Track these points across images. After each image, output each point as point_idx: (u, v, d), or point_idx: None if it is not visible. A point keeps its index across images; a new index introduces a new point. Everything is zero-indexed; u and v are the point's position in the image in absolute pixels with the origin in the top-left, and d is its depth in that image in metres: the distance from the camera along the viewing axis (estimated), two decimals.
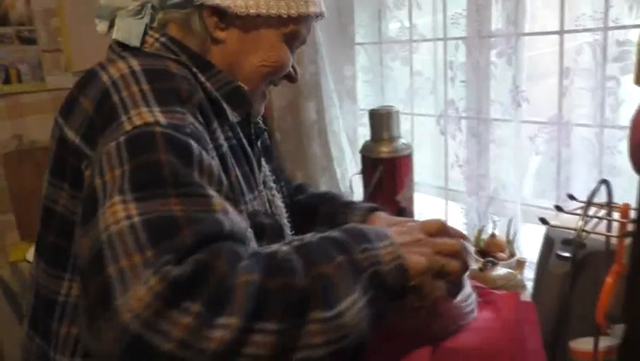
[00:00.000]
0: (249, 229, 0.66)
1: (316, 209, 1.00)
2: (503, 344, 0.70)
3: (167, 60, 0.69)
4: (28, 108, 2.15)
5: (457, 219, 1.47)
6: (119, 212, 0.53)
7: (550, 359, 0.81)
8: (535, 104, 1.29)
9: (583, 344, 0.77)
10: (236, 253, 0.54)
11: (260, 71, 0.79)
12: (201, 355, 0.48)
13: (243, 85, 0.77)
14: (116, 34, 0.74)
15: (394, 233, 0.64)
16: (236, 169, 0.74)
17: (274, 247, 0.59)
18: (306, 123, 1.78)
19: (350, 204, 0.97)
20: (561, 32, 1.19)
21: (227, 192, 0.63)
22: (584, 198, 0.69)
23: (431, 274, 0.63)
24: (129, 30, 0.73)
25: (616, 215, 0.66)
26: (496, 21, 1.28)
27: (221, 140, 0.71)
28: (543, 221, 0.65)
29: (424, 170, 1.61)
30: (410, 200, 1.44)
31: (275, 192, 0.88)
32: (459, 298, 0.70)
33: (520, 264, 1.18)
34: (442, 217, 1.51)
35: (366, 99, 1.70)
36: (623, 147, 1.07)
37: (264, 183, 0.85)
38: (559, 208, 0.69)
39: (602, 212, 0.63)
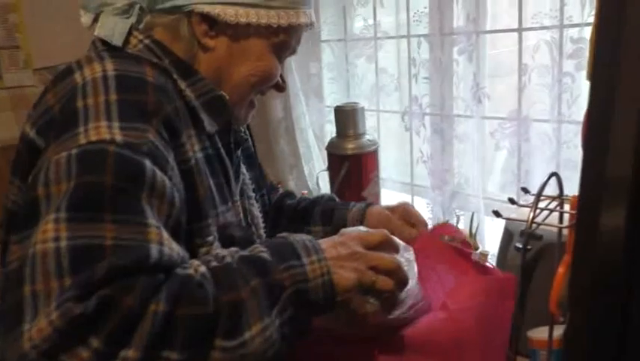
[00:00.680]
0: (194, 252, 0.66)
1: (309, 210, 1.02)
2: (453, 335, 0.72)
3: (145, 65, 0.68)
4: None
5: (423, 214, 1.49)
6: (49, 231, 0.53)
7: (510, 347, 0.84)
8: (497, 100, 1.33)
9: (539, 333, 0.80)
10: (152, 286, 0.54)
11: (248, 81, 0.78)
12: None
13: (226, 94, 0.76)
14: (98, 31, 0.72)
15: (328, 247, 0.65)
16: (210, 180, 0.73)
17: (193, 265, 0.60)
18: (274, 121, 1.78)
19: (347, 203, 1.01)
20: (519, 30, 1.22)
21: (179, 214, 0.63)
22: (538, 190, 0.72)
23: (360, 290, 0.64)
24: (113, 28, 0.72)
25: (567, 207, 0.69)
26: (458, 19, 1.30)
27: (193, 151, 0.70)
28: (496, 214, 0.67)
29: (390, 166, 1.63)
30: (377, 196, 1.46)
31: (253, 201, 0.88)
32: (397, 311, 0.70)
33: (483, 256, 1.21)
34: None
35: (332, 96, 1.71)
36: (579, 141, 1.11)
37: (242, 192, 0.84)
38: (512, 201, 0.71)
39: (554, 204, 0.65)
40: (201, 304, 0.55)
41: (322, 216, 1.00)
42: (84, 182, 0.56)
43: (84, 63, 0.67)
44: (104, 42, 0.72)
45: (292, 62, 1.66)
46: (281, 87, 0.84)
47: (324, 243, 0.66)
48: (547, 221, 0.65)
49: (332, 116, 1.49)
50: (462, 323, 0.72)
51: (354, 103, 1.44)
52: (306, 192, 1.65)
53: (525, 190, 0.70)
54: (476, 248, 1.26)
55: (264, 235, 0.90)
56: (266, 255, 0.62)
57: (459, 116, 1.36)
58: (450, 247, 0.88)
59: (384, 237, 0.70)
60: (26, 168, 0.63)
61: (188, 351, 0.53)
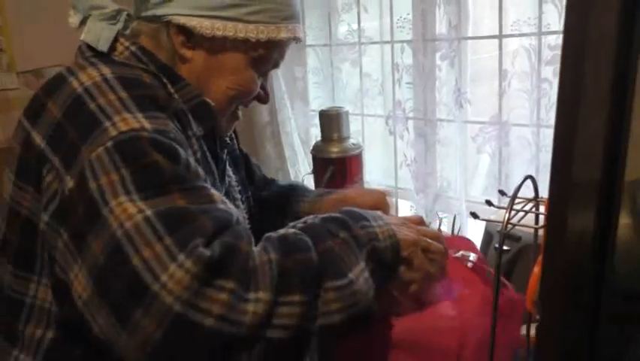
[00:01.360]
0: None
1: (278, 206, 1.02)
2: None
3: (137, 70, 0.69)
4: None
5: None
6: (130, 208, 0.55)
7: (490, 346, 0.86)
8: (478, 105, 1.35)
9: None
10: (250, 236, 0.59)
11: (226, 93, 0.78)
12: (239, 327, 0.53)
13: (209, 100, 0.77)
14: (84, 36, 0.72)
15: (385, 216, 0.73)
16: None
17: (281, 231, 0.64)
18: (259, 125, 1.79)
19: (304, 194, 1.01)
20: (499, 37, 1.25)
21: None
22: (521, 194, 0.74)
23: (419, 249, 0.71)
24: (99, 34, 0.72)
25: (543, 209, 0.71)
26: (440, 25, 1.33)
27: (195, 146, 0.73)
28: (473, 215, 0.69)
29: (374, 169, 1.65)
30: None
31: (239, 202, 0.89)
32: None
33: (465, 257, 1.24)
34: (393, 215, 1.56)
35: (317, 100, 1.73)
36: None
37: (228, 194, 0.86)
38: (489, 203, 0.73)
39: (530, 205, 0.68)
40: (305, 250, 0.60)
41: (278, 210, 1.02)
42: (138, 166, 0.58)
43: (76, 70, 0.67)
44: (90, 48, 0.72)
45: None
46: (262, 99, 0.84)
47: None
48: (524, 222, 0.67)
49: (317, 120, 1.50)
50: (468, 327, 0.74)
51: (339, 107, 1.46)
52: None
53: (502, 193, 0.72)
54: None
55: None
56: (342, 216, 0.68)
57: (441, 120, 1.39)
58: (463, 261, 0.90)
59: (421, 217, 0.81)
60: (38, 177, 0.64)
61: (307, 293, 0.57)
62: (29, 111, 0.69)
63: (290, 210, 0.98)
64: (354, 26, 1.56)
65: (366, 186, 1.51)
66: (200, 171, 0.64)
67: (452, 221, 1.35)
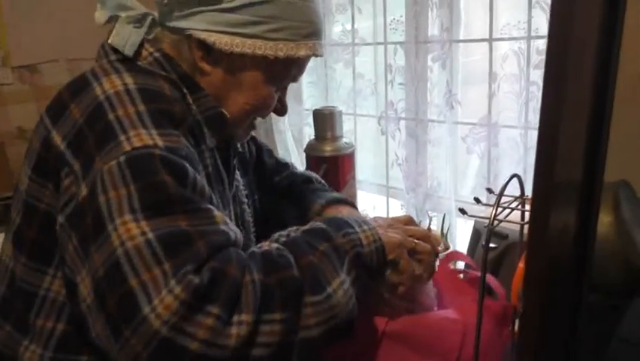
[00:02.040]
0: None
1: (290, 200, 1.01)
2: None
3: (159, 79, 0.70)
4: None
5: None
6: (133, 229, 0.58)
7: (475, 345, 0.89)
8: (469, 106, 1.38)
9: None
10: (242, 258, 0.61)
11: (243, 109, 0.78)
12: (223, 350, 0.55)
13: (226, 112, 0.77)
14: (112, 39, 0.73)
15: (372, 220, 0.75)
16: (214, 188, 0.77)
17: (265, 246, 0.67)
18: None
19: (314, 197, 0.97)
20: (490, 40, 1.28)
21: (217, 207, 0.67)
22: (507, 192, 0.77)
23: (405, 251, 0.73)
24: (126, 38, 0.73)
25: (528, 206, 0.74)
26: (432, 28, 1.35)
27: (207, 160, 0.74)
28: (462, 211, 0.72)
29: (366, 168, 1.68)
30: (353, 197, 1.50)
31: (245, 206, 0.91)
32: (430, 285, 0.79)
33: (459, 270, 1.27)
34: (384, 215, 1.59)
35: (311, 100, 1.75)
36: None
37: (234, 198, 0.87)
38: (477, 200, 0.76)
39: (516, 203, 0.70)
40: (287, 268, 0.62)
41: (289, 203, 1.00)
42: (146, 184, 0.60)
43: (100, 74, 0.69)
44: (114, 50, 0.73)
45: None
46: (280, 112, 0.85)
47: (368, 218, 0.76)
48: (509, 219, 0.70)
49: (310, 119, 1.53)
50: (469, 330, 0.75)
51: (332, 107, 1.48)
52: None
53: (490, 190, 0.75)
54: (447, 248, 1.32)
55: (254, 239, 0.93)
56: (324, 226, 0.70)
57: (432, 121, 1.42)
58: (456, 272, 0.92)
59: (410, 217, 0.83)
60: (56, 178, 0.66)
61: (287, 310, 0.59)
62: (51, 110, 0.70)
63: (303, 208, 0.97)
64: (348, 27, 1.59)
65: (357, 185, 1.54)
66: (207, 189, 0.66)
67: (442, 220, 1.38)
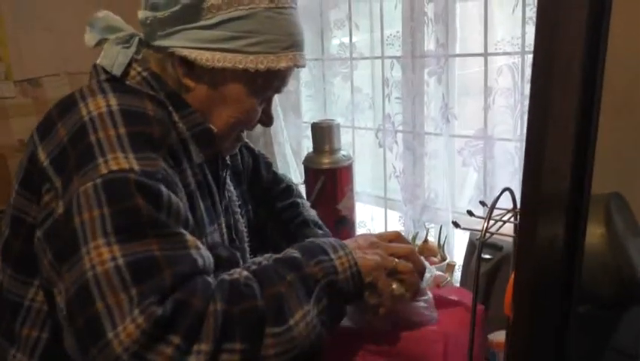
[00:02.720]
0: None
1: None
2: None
3: (145, 98, 0.72)
4: None
5: (396, 227, 1.56)
6: (104, 254, 0.59)
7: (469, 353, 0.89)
8: (465, 119, 1.40)
9: (498, 336, 0.86)
10: (207, 286, 0.62)
11: (228, 122, 0.80)
12: None
13: (213, 127, 0.79)
14: (100, 60, 0.76)
15: (350, 242, 0.74)
16: (201, 203, 0.78)
17: (236, 272, 0.68)
18: (252, 135, 1.83)
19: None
20: (485, 55, 1.30)
21: (192, 230, 0.69)
22: (503, 205, 0.78)
23: (384, 272, 0.73)
24: (114, 58, 0.75)
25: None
26: (428, 43, 1.37)
27: (190, 178, 0.75)
28: (455, 224, 0.73)
29: (364, 180, 1.69)
30: (351, 209, 1.51)
31: (239, 216, 0.92)
32: (419, 301, 0.78)
33: (450, 267, 1.28)
34: (382, 225, 1.59)
35: (309, 113, 1.77)
36: None
37: (227, 208, 0.88)
38: (470, 213, 0.77)
39: (509, 216, 0.72)
40: (251, 298, 0.63)
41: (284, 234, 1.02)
42: (119, 208, 0.62)
43: (87, 95, 0.71)
44: (105, 70, 0.75)
45: None
46: (265, 123, 0.87)
47: (347, 241, 0.75)
48: (502, 231, 0.71)
49: (309, 132, 1.54)
50: (450, 336, 0.76)
51: (331, 120, 1.50)
52: None
53: (483, 203, 0.77)
54: (444, 259, 1.33)
55: (249, 249, 0.95)
56: (297, 254, 0.70)
57: (429, 134, 1.43)
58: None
59: (398, 233, 0.81)
60: (38, 193, 0.68)
61: (248, 341, 0.61)
62: (41, 127, 0.73)
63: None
64: (346, 41, 1.61)
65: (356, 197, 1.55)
66: (183, 211, 0.67)
67: (439, 232, 1.39)
